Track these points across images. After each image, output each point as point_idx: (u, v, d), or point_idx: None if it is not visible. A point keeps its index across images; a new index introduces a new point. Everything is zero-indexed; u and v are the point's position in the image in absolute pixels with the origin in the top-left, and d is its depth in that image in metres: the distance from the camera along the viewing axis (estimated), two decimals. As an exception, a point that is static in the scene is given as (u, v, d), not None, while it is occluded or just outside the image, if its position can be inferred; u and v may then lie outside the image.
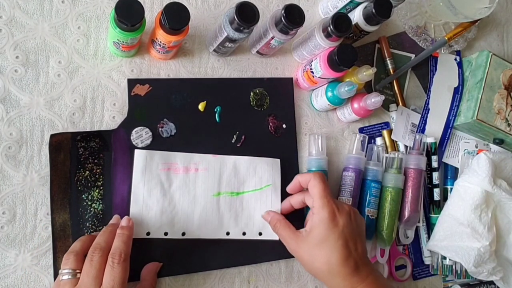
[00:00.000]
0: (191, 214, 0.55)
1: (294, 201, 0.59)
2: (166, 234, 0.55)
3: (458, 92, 0.77)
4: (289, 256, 0.64)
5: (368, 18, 0.63)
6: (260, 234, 0.57)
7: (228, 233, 0.56)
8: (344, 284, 0.53)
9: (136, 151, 0.52)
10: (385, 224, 0.68)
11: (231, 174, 0.54)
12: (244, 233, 0.56)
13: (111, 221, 0.54)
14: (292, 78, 0.68)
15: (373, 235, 0.69)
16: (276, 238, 0.58)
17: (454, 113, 0.77)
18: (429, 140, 0.73)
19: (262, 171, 0.53)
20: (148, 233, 0.55)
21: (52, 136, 0.55)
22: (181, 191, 0.54)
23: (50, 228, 0.54)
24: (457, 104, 0.77)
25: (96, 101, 0.58)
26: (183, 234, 0.55)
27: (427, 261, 0.72)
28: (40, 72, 0.56)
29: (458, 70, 0.78)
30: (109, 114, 0.59)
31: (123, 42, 0.54)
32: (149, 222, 0.54)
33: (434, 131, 0.75)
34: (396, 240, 0.71)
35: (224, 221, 0.55)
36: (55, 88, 0.57)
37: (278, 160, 0.54)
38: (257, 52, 0.65)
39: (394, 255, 0.70)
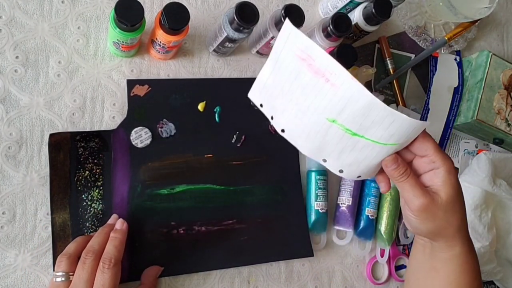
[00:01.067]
0: (298, 119, 0.46)
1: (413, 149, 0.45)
2: (272, 118, 0.49)
3: (458, 92, 0.77)
4: (289, 257, 0.64)
5: (368, 18, 0.63)
6: (359, 177, 0.47)
7: (325, 161, 0.47)
8: (464, 244, 0.47)
9: (286, 21, 0.42)
10: (385, 224, 0.68)
11: (359, 111, 0.41)
12: (341, 171, 0.47)
13: (108, 221, 0.55)
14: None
15: (373, 235, 0.69)
16: (371, 176, 0.47)
17: (454, 113, 0.76)
18: (429, 140, 0.73)
19: (396, 129, 0.41)
20: (261, 105, 0.50)
21: (51, 135, 0.55)
22: (302, 90, 0.44)
23: (50, 228, 0.54)
24: (457, 104, 0.77)
25: (96, 101, 0.58)
26: (283, 131, 0.48)
27: (427, 261, 0.72)
28: (40, 72, 0.56)
29: (458, 70, 0.78)
30: (109, 114, 0.59)
31: (123, 42, 0.54)
32: (267, 92, 0.48)
33: (434, 131, 0.75)
34: (396, 240, 0.71)
35: (326, 149, 0.45)
36: (55, 88, 0.57)
37: (427, 123, 0.41)
38: (257, 52, 0.65)
39: (394, 255, 0.70)
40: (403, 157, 0.45)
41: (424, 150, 0.44)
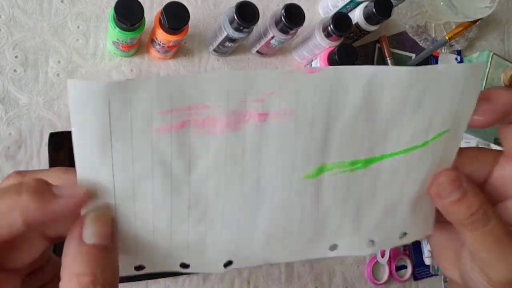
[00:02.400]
0: (247, 227, 0.23)
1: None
2: (184, 266, 0.24)
3: (458, 92, 0.77)
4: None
5: (368, 17, 0.62)
6: (404, 234, 0.25)
7: (334, 247, 0.25)
8: None
9: (72, 84, 0.18)
10: (385, 225, 0.68)
11: (358, 118, 0.21)
12: (372, 242, 0.25)
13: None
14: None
15: (373, 236, 0.68)
16: (421, 236, 0.25)
17: (455, 113, 0.76)
18: (430, 140, 0.73)
19: (436, 103, 0.21)
20: (139, 267, 0.23)
21: (51, 135, 0.55)
22: (221, 175, 0.22)
23: (49, 229, 0.54)
24: (457, 104, 0.77)
25: (95, 101, 0.58)
26: (228, 264, 0.24)
27: (427, 261, 0.72)
28: (39, 71, 0.56)
29: (459, 69, 0.78)
30: (108, 114, 0.58)
31: (122, 41, 0.54)
32: (139, 247, 0.23)
33: (434, 131, 0.75)
34: (396, 241, 0.71)
35: (329, 225, 0.24)
36: (55, 88, 0.57)
37: (480, 66, 0.21)
38: (257, 51, 0.65)
39: (395, 255, 0.70)
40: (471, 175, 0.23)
41: None
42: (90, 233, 0.19)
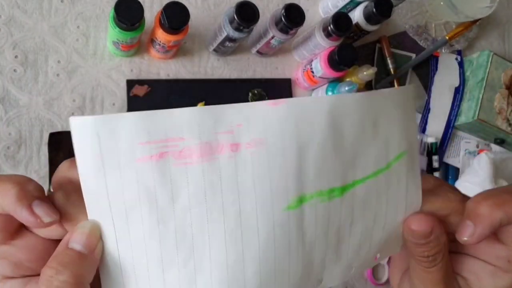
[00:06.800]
0: (237, 267, 0.22)
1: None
2: None
3: (459, 92, 0.77)
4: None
5: (368, 17, 0.62)
6: (377, 256, 0.27)
7: (320, 281, 0.25)
8: None
9: (72, 120, 0.20)
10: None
11: (327, 145, 0.22)
12: (352, 268, 0.26)
13: None
14: (290, 79, 0.68)
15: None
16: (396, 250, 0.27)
17: (455, 113, 0.76)
18: (430, 140, 0.73)
19: (388, 125, 0.23)
20: None
21: (50, 135, 0.55)
22: (203, 207, 0.21)
23: (49, 229, 0.54)
24: (458, 104, 0.76)
25: (95, 101, 0.58)
26: None
27: (427, 261, 0.72)
28: (39, 71, 0.56)
29: (459, 69, 0.78)
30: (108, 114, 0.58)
31: (122, 41, 0.54)
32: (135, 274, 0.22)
33: (435, 131, 0.75)
34: (396, 241, 0.71)
35: (315, 259, 0.24)
36: (54, 88, 0.57)
37: (411, 86, 0.25)
38: (257, 51, 0.65)
39: (395, 255, 0.70)
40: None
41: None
42: (75, 240, 0.21)
